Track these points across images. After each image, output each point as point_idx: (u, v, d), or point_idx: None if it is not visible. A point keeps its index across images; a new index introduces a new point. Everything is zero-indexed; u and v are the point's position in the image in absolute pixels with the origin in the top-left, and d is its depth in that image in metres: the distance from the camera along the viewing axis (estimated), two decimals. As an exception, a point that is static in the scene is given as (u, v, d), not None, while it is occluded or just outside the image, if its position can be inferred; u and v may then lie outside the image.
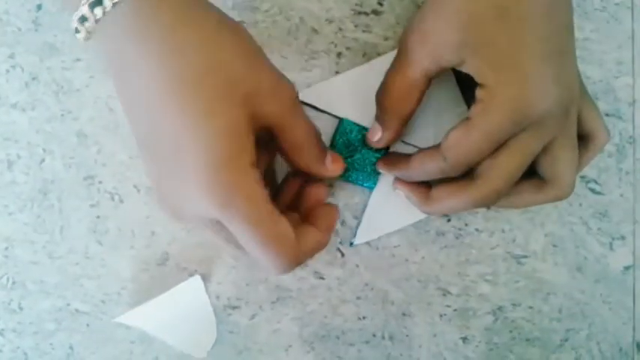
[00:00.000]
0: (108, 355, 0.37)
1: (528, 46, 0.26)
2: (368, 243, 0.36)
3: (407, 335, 0.36)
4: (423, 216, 0.35)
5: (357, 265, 0.36)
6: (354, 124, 0.34)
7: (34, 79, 0.36)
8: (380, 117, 0.31)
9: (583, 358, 0.35)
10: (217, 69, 0.24)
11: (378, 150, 0.34)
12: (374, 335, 0.36)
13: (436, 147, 0.29)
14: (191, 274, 0.36)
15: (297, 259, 0.26)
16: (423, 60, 0.28)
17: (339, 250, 0.36)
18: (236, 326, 0.36)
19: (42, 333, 0.37)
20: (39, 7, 0.36)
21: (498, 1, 0.26)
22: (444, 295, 0.36)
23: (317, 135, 0.28)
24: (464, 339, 0.36)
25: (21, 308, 0.37)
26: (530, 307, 0.35)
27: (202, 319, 0.36)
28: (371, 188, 0.35)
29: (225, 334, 0.36)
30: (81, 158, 0.36)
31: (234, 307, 0.36)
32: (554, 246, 0.35)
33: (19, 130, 0.37)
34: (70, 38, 0.36)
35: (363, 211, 0.35)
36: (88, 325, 0.37)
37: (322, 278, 0.36)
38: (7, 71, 0.36)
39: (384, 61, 0.32)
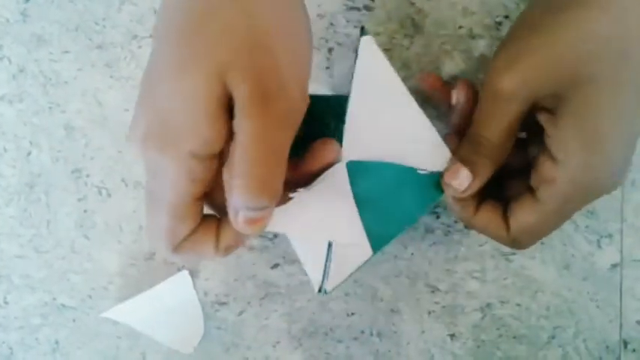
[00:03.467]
0: (94, 350, 0.36)
1: (621, 121, 0.24)
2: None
3: (395, 332, 0.36)
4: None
5: (346, 262, 0.36)
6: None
7: (21, 71, 0.36)
8: (473, 155, 0.27)
9: (570, 355, 0.35)
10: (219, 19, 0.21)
11: None
12: (362, 332, 0.36)
13: (504, 219, 0.27)
14: (179, 270, 0.36)
15: (171, 251, 0.24)
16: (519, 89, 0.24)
17: (328, 246, 0.36)
18: (224, 322, 0.36)
19: (27, 328, 0.36)
20: (27, -2, 0.36)
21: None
22: (433, 291, 0.36)
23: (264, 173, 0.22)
24: (452, 336, 0.36)
25: (6, 302, 0.36)
26: (518, 305, 0.35)
27: (190, 314, 0.36)
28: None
29: (212, 330, 0.36)
30: (68, 152, 0.36)
31: (221, 303, 0.36)
32: (542, 243, 0.35)
33: (6, 122, 0.36)
34: (58, 30, 0.36)
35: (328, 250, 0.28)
36: (74, 320, 0.36)
37: (311, 274, 0.36)
38: (-6, 63, 0.36)
39: None
